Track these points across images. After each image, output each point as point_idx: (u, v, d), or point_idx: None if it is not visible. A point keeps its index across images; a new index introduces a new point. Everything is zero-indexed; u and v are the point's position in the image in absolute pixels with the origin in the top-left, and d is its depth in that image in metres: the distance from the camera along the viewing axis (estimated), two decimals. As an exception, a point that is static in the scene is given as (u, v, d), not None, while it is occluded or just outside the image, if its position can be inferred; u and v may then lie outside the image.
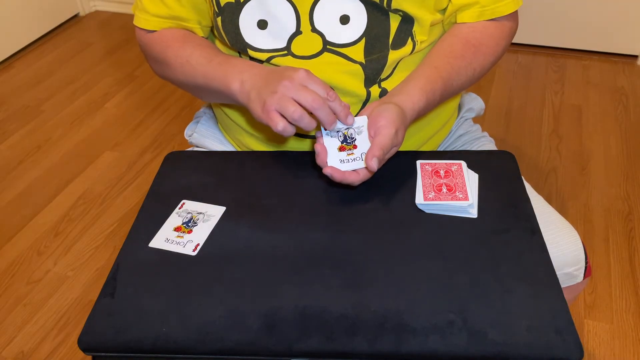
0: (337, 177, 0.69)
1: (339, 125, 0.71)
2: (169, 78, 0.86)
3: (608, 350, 1.25)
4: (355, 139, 0.71)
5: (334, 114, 0.69)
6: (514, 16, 0.83)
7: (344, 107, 0.70)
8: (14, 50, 2.42)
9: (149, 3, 0.82)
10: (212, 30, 0.88)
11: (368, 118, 0.71)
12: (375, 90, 0.79)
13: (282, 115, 0.67)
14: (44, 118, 2.05)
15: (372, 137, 0.70)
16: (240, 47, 0.79)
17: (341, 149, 0.71)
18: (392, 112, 0.70)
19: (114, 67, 2.35)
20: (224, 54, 0.80)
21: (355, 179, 0.70)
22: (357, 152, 0.70)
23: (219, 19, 0.78)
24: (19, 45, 2.44)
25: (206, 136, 0.96)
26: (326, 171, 0.69)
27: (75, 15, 2.74)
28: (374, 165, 0.67)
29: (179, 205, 0.74)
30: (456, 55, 0.78)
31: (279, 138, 0.84)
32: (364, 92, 0.79)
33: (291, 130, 0.68)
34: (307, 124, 0.67)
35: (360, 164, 0.70)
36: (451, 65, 0.77)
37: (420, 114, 0.75)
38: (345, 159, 0.70)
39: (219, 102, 0.88)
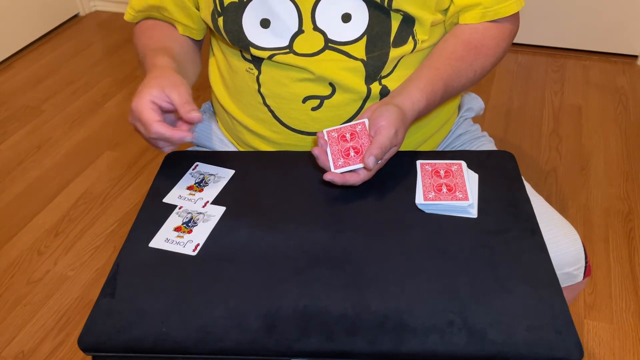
0: (339, 181, 0.70)
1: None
2: None
3: (608, 350, 1.25)
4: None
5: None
6: (515, 18, 0.83)
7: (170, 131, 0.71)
8: (14, 50, 2.42)
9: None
10: (210, 30, 0.89)
11: (369, 120, 0.72)
12: (375, 87, 0.79)
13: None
14: (44, 118, 2.05)
15: (372, 137, 0.70)
16: (243, 45, 0.79)
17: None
18: (392, 112, 0.70)
19: (114, 67, 2.35)
20: (150, 56, 0.82)
21: (357, 180, 0.71)
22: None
23: (220, 19, 0.78)
24: (19, 45, 2.44)
25: (206, 136, 0.96)
26: (326, 178, 0.70)
27: (75, 15, 2.74)
28: (371, 163, 0.68)
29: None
30: (457, 57, 0.78)
31: (281, 136, 0.84)
32: (364, 88, 0.79)
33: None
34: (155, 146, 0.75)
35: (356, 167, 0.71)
36: (452, 67, 0.77)
37: (421, 114, 0.76)
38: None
39: None
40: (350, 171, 0.71)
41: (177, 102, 0.71)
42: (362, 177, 0.71)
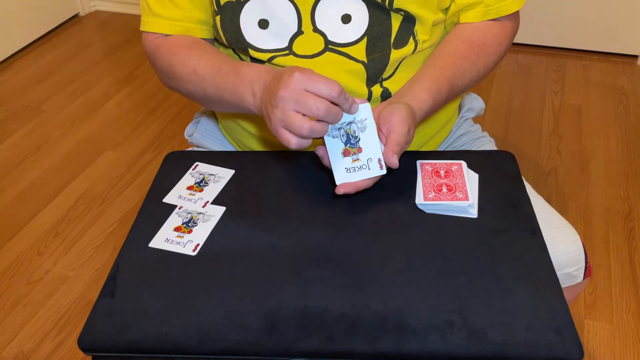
0: (352, 191, 0.69)
1: (341, 120, 0.68)
2: (178, 89, 0.83)
3: (608, 350, 1.25)
4: (359, 138, 0.69)
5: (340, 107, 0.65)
6: (516, 16, 0.83)
7: (348, 98, 0.66)
8: (14, 50, 2.42)
9: (158, 6, 0.80)
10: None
11: (379, 118, 0.70)
12: (377, 89, 0.79)
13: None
14: (44, 118, 2.05)
15: (384, 135, 0.69)
16: (241, 47, 0.79)
17: (345, 152, 0.69)
18: (403, 110, 0.69)
19: (114, 67, 2.35)
20: (231, 61, 0.76)
21: (370, 184, 0.70)
22: (362, 158, 0.69)
23: (217, 18, 0.78)
24: (19, 45, 2.44)
25: (206, 136, 0.96)
26: (339, 191, 0.69)
27: (75, 15, 2.74)
28: (395, 161, 0.66)
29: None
30: (460, 56, 0.78)
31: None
32: (365, 91, 0.79)
33: (306, 143, 0.65)
34: (320, 132, 0.64)
35: (368, 174, 0.69)
36: (456, 66, 0.77)
37: (428, 115, 0.75)
38: (351, 168, 0.69)
39: (233, 112, 0.84)
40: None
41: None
42: (373, 180, 0.70)
